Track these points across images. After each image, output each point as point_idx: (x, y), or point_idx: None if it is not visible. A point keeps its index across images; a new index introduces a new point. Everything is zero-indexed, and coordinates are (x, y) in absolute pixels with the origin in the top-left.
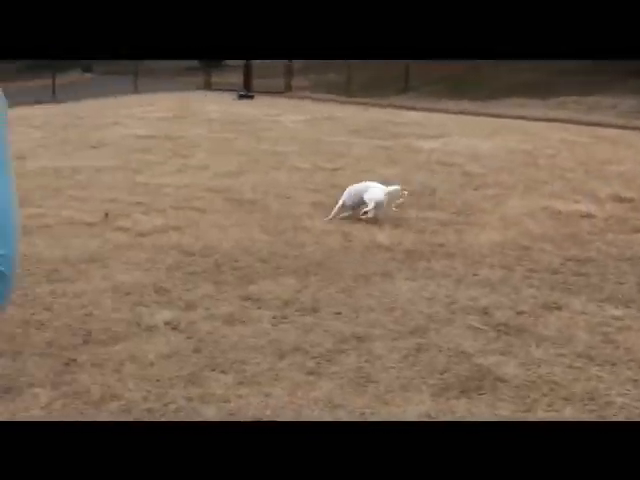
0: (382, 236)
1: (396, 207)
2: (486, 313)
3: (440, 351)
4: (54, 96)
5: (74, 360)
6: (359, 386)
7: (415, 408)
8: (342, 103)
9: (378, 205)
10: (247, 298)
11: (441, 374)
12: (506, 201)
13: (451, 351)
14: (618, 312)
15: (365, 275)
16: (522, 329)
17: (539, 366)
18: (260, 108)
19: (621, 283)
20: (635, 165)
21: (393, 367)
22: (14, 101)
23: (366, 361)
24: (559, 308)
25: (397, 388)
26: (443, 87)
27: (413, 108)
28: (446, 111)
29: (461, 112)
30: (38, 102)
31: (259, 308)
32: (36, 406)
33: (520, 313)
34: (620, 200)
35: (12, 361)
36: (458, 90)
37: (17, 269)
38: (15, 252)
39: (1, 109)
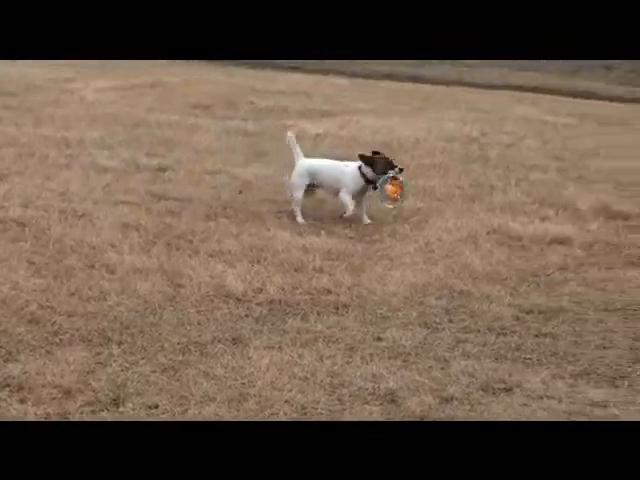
0: (233, 277)
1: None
2: (393, 401)
3: None
4: None
5: None
6: None
7: None
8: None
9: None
10: (4, 385)
11: None
12: (433, 219)
13: None
14: (600, 394)
15: (200, 343)
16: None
17: None
18: (42, 67)
19: (606, 348)
20: (634, 159)
21: None
22: None
23: None
24: (508, 390)
25: None
26: None
27: (298, 69)
28: (349, 74)
29: (369, 76)
30: None
31: (22, 402)
32: None
33: (447, 400)
34: (610, 215)
35: None
36: None
37: None
38: None
39: None
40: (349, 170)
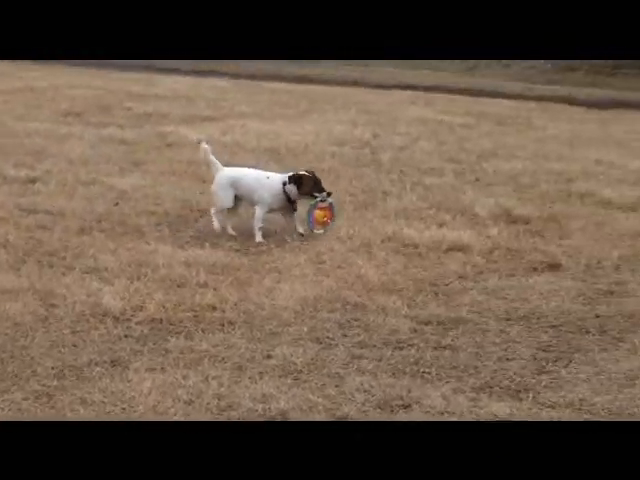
0: (110, 295)
1: None
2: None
3: None
4: None
5: None
6: None
7: None
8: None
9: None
10: None
11: None
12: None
13: None
14: (503, 408)
15: (76, 366)
16: None
17: None
18: None
19: (509, 359)
20: (533, 159)
21: None
22: None
23: None
24: (407, 407)
25: None
26: None
27: (177, 71)
28: (231, 75)
29: (252, 76)
30: None
31: None
32: None
33: (342, 419)
34: (510, 219)
35: None
36: None
37: None
38: None
39: None
40: (269, 183)
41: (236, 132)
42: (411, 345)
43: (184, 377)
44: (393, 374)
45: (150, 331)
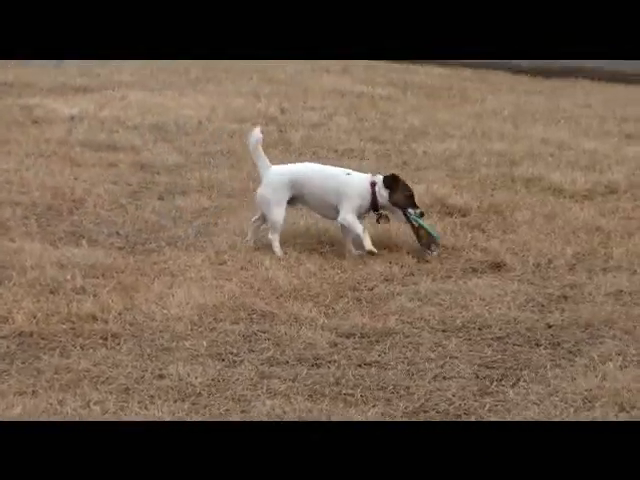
0: None
1: None
2: None
3: None
4: None
5: None
6: None
7: None
8: None
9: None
10: None
11: None
12: (224, 222)
13: None
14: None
15: None
16: None
17: None
18: None
19: (446, 378)
20: (470, 138)
21: None
22: None
23: None
24: None
25: None
26: None
27: None
28: None
29: None
30: None
31: None
32: None
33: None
34: (445, 210)
35: None
36: None
37: None
38: None
39: None
40: (353, 181)
41: (115, 106)
42: (330, 362)
43: (60, 402)
44: (310, 397)
45: (18, 347)
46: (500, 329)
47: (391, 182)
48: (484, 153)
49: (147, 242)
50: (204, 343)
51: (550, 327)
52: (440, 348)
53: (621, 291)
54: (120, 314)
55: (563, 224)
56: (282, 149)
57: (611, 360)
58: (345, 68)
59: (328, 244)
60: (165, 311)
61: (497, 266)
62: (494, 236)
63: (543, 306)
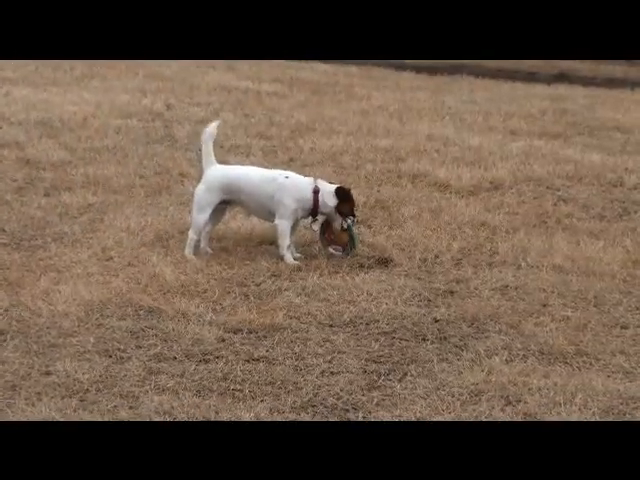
0: None
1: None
2: None
3: None
4: None
5: None
6: None
7: None
8: None
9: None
10: None
11: None
12: (110, 218)
13: None
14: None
15: None
16: None
17: None
18: None
19: (334, 373)
20: (356, 135)
21: None
22: None
23: None
24: None
25: None
26: None
27: None
28: None
29: None
30: None
31: None
32: None
33: None
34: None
35: None
36: None
37: None
38: None
39: None
40: (291, 184)
41: None
42: (218, 357)
43: None
44: (198, 392)
45: None
46: (387, 324)
47: (345, 194)
48: (370, 149)
49: (33, 238)
50: (91, 339)
51: (437, 322)
52: (328, 343)
53: (507, 286)
54: (6, 310)
55: (449, 219)
56: (168, 145)
57: (497, 354)
58: (230, 65)
59: (215, 239)
60: (52, 307)
61: (384, 261)
62: (381, 232)
63: (430, 301)
